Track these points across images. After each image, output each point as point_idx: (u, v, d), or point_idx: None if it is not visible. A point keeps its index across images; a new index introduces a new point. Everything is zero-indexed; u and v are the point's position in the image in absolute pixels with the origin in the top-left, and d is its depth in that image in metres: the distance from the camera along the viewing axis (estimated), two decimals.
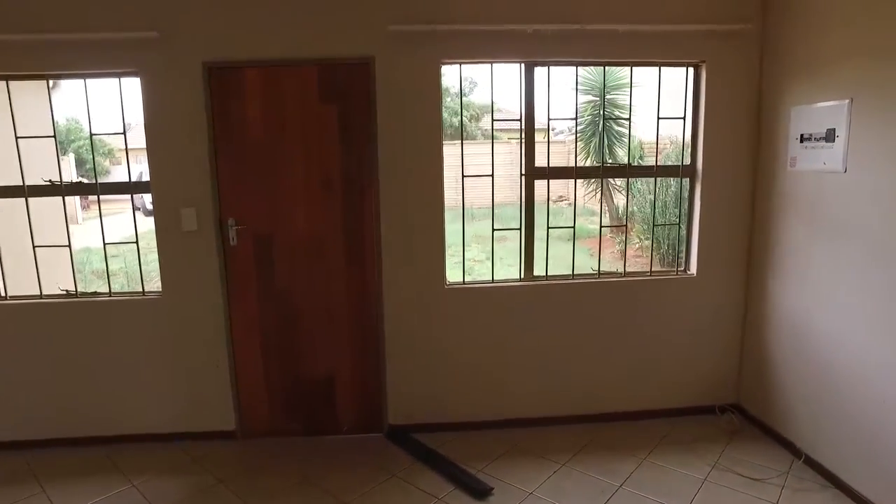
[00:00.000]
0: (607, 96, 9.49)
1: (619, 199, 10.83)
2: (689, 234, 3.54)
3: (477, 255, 8.58)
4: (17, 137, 3.09)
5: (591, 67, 9.43)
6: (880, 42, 2.50)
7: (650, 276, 3.54)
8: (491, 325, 3.42)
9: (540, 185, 3.38)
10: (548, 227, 3.45)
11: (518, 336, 3.45)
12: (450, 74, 3.23)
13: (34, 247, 3.18)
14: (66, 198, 3.23)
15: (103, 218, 3.38)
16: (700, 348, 3.57)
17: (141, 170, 3.19)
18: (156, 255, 3.23)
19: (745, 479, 2.93)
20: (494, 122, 3.37)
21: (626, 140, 9.76)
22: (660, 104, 3.37)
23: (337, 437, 3.45)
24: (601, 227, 3.67)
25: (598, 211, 11.39)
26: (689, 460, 3.11)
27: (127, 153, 3.20)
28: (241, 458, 3.26)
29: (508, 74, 3.30)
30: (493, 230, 3.45)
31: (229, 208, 3.21)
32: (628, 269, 3.54)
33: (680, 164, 3.47)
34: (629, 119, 3.40)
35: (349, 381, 3.43)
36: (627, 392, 3.56)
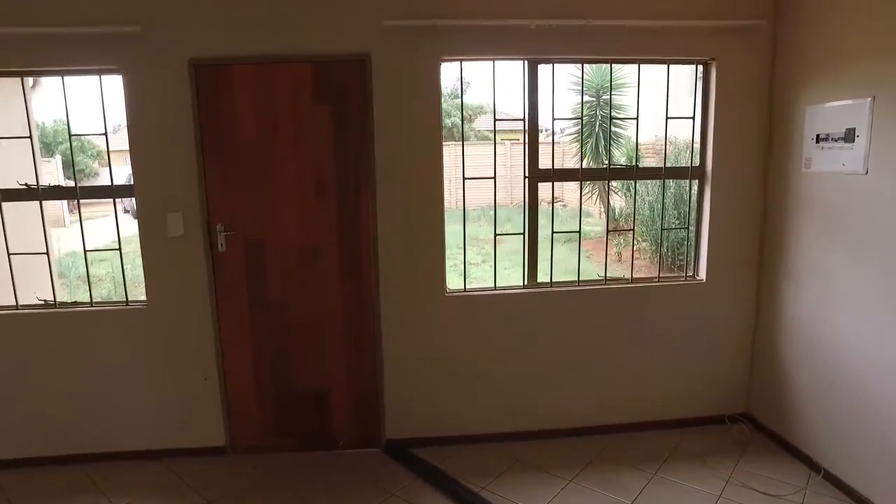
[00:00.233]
0: (604, 97, 9.42)
1: (616, 201, 10.76)
2: (697, 237, 3.41)
3: (473, 257, 8.42)
4: None
5: (588, 68, 9.40)
6: None
7: (658, 282, 3.41)
8: (493, 334, 3.28)
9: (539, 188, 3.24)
10: (552, 232, 3.31)
11: (521, 345, 3.30)
12: (445, 73, 3.08)
13: (9, 254, 2.99)
14: (53, 201, 3.04)
15: (91, 221, 3.23)
16: (709, 356, 3.44)
17: (129, 172, 3.00)
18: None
19: (761, 494, 2.80)
20: (494, 123, 3.22)
21: (623, 141, 9.70)
22: (668, 103, 3.24)
23: (332, 453, 3.28)
24: (607, 231, 3.54)
25: (595, 212, 11.33)
26: (701, 475, 2.98)
27: (109, 155, 3.03)
28: (231, 475, 3.09)
29: (504, 74, 3.15)
30: (496, 234, 3.30)
31: (218, 213, 3.05)
32: (632, 274, 3.40)
33: (689, 165, 3.35)
34: (636, 118, 3.26)
35: (345, 393, 3.28)
36: (634, 402, 3.43)
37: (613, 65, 3.36)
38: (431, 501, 2.83)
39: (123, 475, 3.07)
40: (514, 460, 3.16)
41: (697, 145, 3.33)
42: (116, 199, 3.10)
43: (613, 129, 9.47)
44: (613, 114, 9.14)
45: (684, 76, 3.44)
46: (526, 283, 3.31)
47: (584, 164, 9.45)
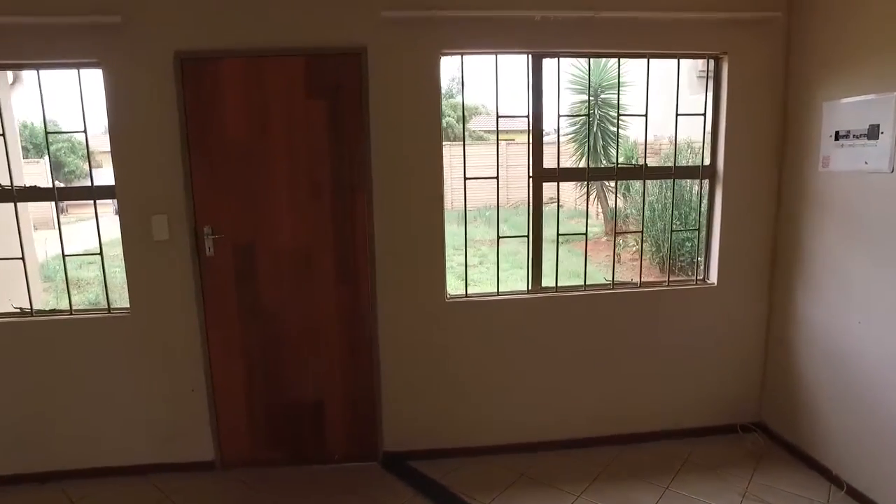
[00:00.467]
0: (601, 96, 9.30)
1: (613, 202, 10.63)
2: (708, 240, 3.27)
3: (470, 259, 8.23)
4: None
5: (583, 67, 9.27)
6: None
7: (667, 286, 3.27)
8: (496, 341, 3.13)
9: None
10: (557, 234, 3.15)
11: (526, 353, 3.15)
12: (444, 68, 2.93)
13: None
14: (42, 203, 2.87)
15: (84, 223, 3.02)
16: (720, 362, 3.30)
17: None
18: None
19: None
20: (497, 120, 3.07)
21: (622, 141, 9.58)
22: (678, 100, 3.11)
23: (327, 467, 3.12)
24: (615, 233, 3.39)
25: (591, 213, 11.19)
26: (716, 489, 2.84)
27: (88, 154, 2.87)
28: (220, 492, 2.93)
29: (501, 72, 3.00)
30: (499, 237, 3.15)
31: (205, 215, 2.88)
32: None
33: (700, 164, 3.20)
34: (645, 115, 3.12)
35: (340, 404, 3.11)
36: (643, 411, 3.29)
37: (615, 60, 3.21)
38: None
39: (105, 493, 2.90)
40: (520, 474, 3.01)
41: (700, 144, 3.18)
42: (95, 202, 2.92)
43: (612, 128, 9.36)
44: (613, 113, 9.11)
45: (683, 73, 3.30)
46: (530, 287, 3.16)
47: (582, 164, 9.34)
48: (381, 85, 2.84)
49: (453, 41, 2.86)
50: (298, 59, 2.80)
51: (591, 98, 9.51)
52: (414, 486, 2.93)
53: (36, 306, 2.97)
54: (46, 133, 2.87)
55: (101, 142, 2.85)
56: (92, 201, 2.90)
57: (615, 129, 9.33)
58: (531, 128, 3.04)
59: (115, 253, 2.97)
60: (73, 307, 2.93)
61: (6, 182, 2.81)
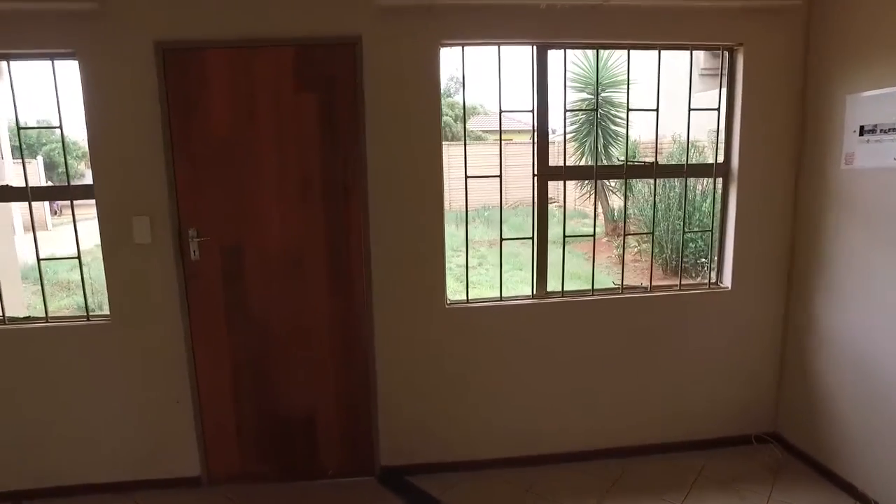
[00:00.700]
0: (602, 94, 9.13)
1: (614, 202, 10.48)
2: (721, 241, 3.11)
3: (469, 260, 8.07)
4: None
5: (585, 63, 9.11)
6: None
7: (679, 290, 3.10)
8: (499, 349, 2.96)
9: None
10: (564, 236, 2.99)
11: (530, 362, 2.99)
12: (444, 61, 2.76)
13: None
14: (32, 204, 2.70)
15: (80, 223, 2.79)
16: (734, 370, 3.14)
17: None
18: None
19: None
20: (500, 115, 2.89)
21: (623, 140, 9.42)
22: (690, 94, 2.94)
23: (320, 483, 2.95)
24: (624, 234, 3.23)
25: (591, 213, 11.03)
26: None
27: (65, 152, 2.68)
28: None
29: (501, 67, 2.83)
30: (502, 239, 2.98)
31: (190, 217, 2.70)
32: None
33: (713, 162, 3.04)
34: (656, 110, 2.95)
35: (334, 416, 2.94)
36: (654, 422, 3.13)
37: (616, 57, 3.04)
38: None
39: None
40: (525, 489, 2.84)
41: (705, 142, 3.02)
42: (73, 203, 2.74)
43: (613, 126, 9.21)
44: (615, 112, 8.95)
45: (687, 70, 3.13)
46: (535, 292, 2.99)
47: (583, 163, 9.17)
48: (377, 77, 2.67)
49: (453, 31, 2.70)
50: (288, 49, 2.63)
51: (591, 97, 9.37)
52: (412, 502, 2.77)
53: (22, 311, 2.79)
54: (19, 129, 2.70)
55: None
56: (88, 202, 2.72)
57: (616, 127, 9.19)
58: (536, 124, 2.87)
59: (100, 256, 2.77)
60: (61, 311, 2.76)
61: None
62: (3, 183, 2.69)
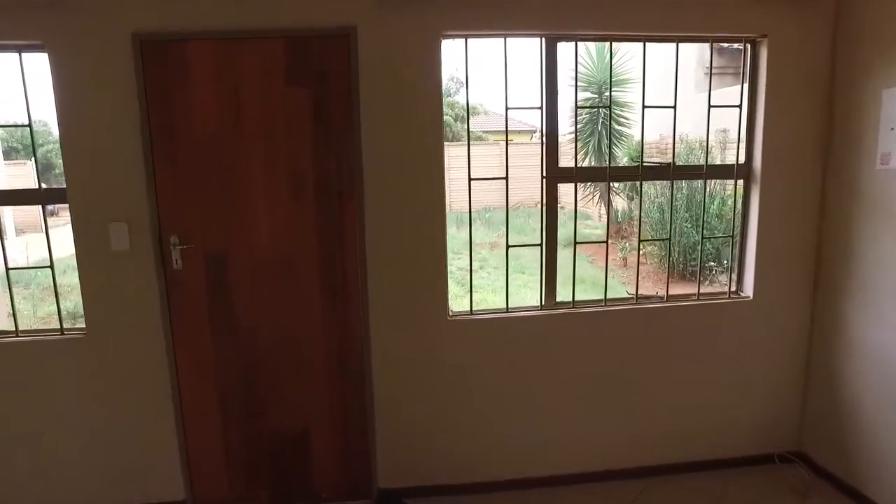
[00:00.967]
0: (606, 94, 8.94)
1: (618, 203, 10.28)
2: (742, 247, 2.91)
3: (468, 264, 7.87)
4: None
5: (589, 63, 8.90)
6: None
7: (697, 300, 2.90)
8: (506, 364, 2.76)
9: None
10: (574, 243, 2.79)
11: (539, 377, 2.79)
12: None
13: None
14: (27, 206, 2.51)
15: (46, 231, 2.59)
16: (756, 385, 2.94)
17: None
18: None
19: None
20: (506, 112, 2.69)
21: (625, 140, 9.22)
22: (710, 88, 2.75)
23: None
24: (640, 241, 3.03)
25: (594, 215, 10.84)
26: None
27: (35, 151, 2.47)
28: None
29: (498, 69, 2.63)
30: (508, 245, 2.77)
31: (171, 222, 2.50)
32: (668, 290, 2.89)
33: (734, 163, 2.84)
34: (674, 107, 2.75)
35: (328, 436, 2.74)
36: (671, 441, 2.93)
37: (619, 56, 2.84)
38: None
39: None
40: None
41: (713, 143, 2.82)
42: (44, 207, 2.54)
43: (616, 126, 9.02)
44: (618, 111, 8.76)
45: (690, 70, 2.95)
46: (543, 302, 2.78)
47: (587, 163, 8.97)
48: (373, 71, 2.47)
49: (456, 21, 2.50)
50: (277, 41, 2.43)
51: (595, 96, 9.18)
52: None
53: (2, 320, 2.59)
54: None
55: None
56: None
57: (620, 127, 8.99)
58: (545, 122, 2.67)
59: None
60: (51, 317, 2.56)
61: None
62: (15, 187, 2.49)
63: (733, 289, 2.94)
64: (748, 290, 2.89)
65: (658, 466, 2.92)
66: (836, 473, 2.80)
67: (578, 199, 2.80)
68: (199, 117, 2.45)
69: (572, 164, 2.77)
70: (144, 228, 2.49)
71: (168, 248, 2.51)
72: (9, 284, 2.61)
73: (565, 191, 2.84)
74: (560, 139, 2.70)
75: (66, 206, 2.47)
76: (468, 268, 2.90)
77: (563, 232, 2.85)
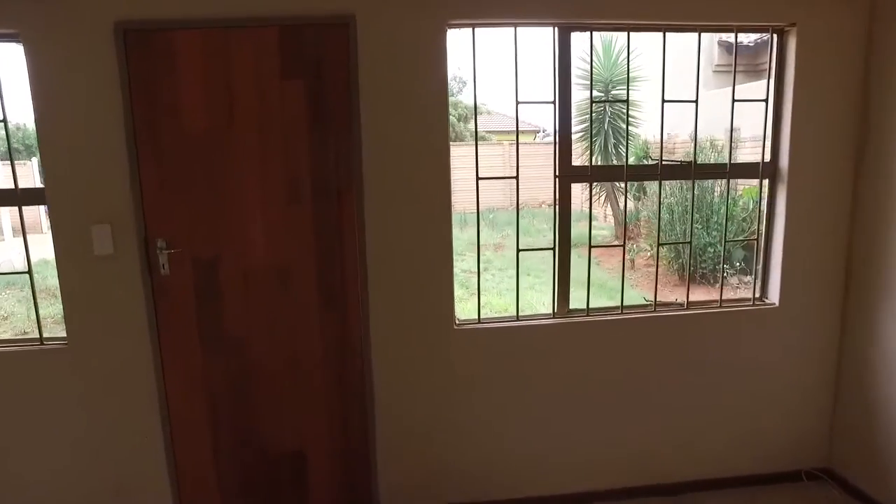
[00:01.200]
0: (612, 92, 8.76)
1: (623, 204, 10.10)
2: (767, 251, 2.74)
3: (472, 265, 7.70)
4: None
5: (596, 60, 8.72)
6: None
7: (719, 307, 2.72)
8: (516, 376, 2.59)
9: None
10: (590, 246, 2.61)
11: (552, 390, 2.62)
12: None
13: None
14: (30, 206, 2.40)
15: (24, 235, 2.43)
16: (782, 398, 2.77)
17: None
18: None
19: None
20: (516, 106, 2.52)
21: (632, 138, 9.04)
22: (735, 82, 2.57)
23: None
24: (658, 244, 2.84)
25: (600, 216, 10.65)
26: None
27: (10, 148, 2.31)
28: None
29: (499, 69, 2.46)
30: (518, 249, 2.60)
31: (158, 225, 2.34)
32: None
33: (760, 161, 2.66)
34: (696, 102, 2.57)
35: (326, 454, 2.57)
36: (694, 456, 2.76)
37: (625, 54, 2.67)
38: None
39: None
40: None
41: (723, 142, 2.65)
42: (21, 209, 2.37)
43: (624, 125, 8.83)
44: (631, 111, 8.56)
45: (689, 66, 2.75)
46: (556, 310, 2.61)
47: (594, 163, 8.80)
48: (374, 62, 2.30)
49: (463, 9, 2.33)
50: (271, 29, 2.26)
51: (601, 94, 9.00)
52: None
53: None
54: None
55: None
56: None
57: (627, 126, 8.81)
58: (557, 118, 2.50)
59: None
60: (45, 319, 2.39)
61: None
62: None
63: (757, 295, 2.76)
64: (773, 296, 2.72)
65: (679, 484, 2.75)
66: (867, 491, 2.63)
67: (582, 200, 2.63)
68: (188, 112, 2.29)
69: (581, 164, 2.59)
70: (129, 231, 2.32)
71: (154, 252, 2.35)
72: None
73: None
74: (591, 133, 2.53)
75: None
76: (472, 270, 2.75)
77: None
